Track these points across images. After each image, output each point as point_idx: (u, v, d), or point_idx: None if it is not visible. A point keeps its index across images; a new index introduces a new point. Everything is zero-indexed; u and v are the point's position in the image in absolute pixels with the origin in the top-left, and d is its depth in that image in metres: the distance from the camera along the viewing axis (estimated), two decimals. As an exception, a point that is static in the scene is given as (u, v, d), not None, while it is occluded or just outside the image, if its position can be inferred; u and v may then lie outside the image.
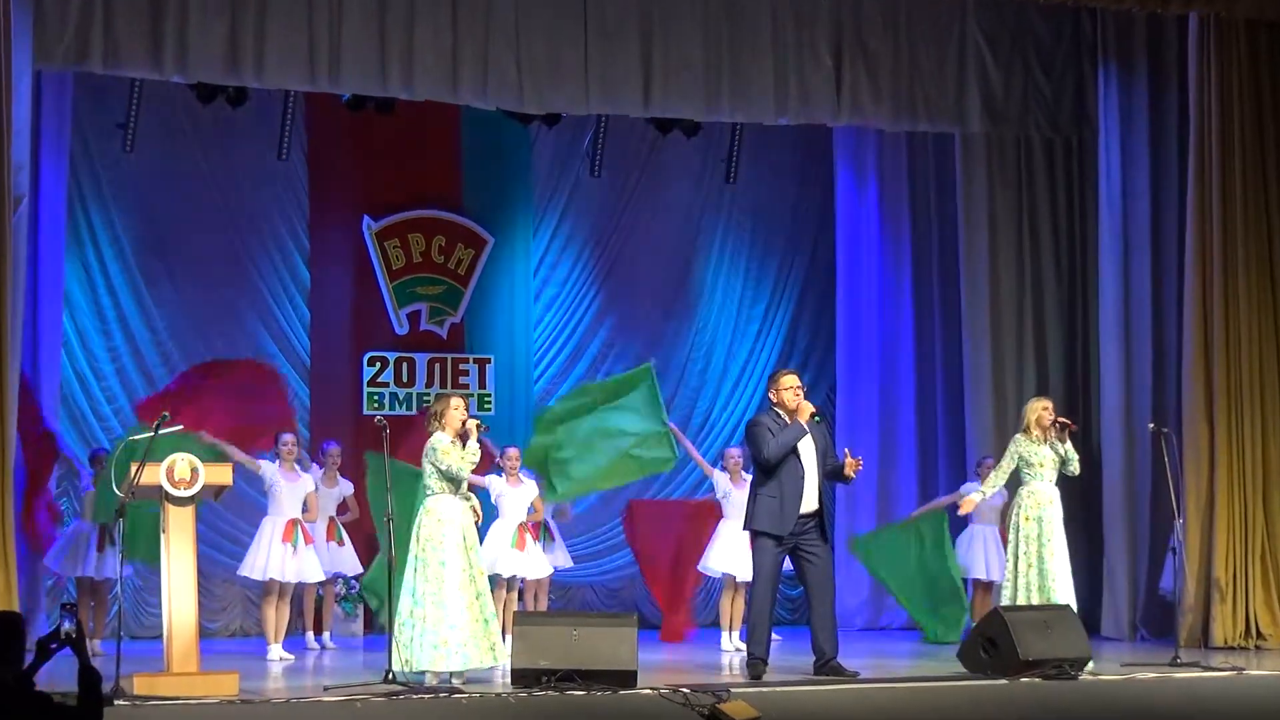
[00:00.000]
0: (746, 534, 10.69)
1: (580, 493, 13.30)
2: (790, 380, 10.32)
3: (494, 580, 11.62)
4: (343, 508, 12.60)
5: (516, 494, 12.19)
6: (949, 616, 13.04)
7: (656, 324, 15.15)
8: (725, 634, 12.37)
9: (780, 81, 12.67)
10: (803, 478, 10.12)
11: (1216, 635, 12.29)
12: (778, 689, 9.57)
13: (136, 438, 10.20)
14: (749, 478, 10.79)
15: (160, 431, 9.42)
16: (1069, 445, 10.91)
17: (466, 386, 14.38)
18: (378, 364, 14.32)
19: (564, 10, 12.19)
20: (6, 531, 10.38)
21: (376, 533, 12.33)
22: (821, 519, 10.22)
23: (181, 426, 10.18)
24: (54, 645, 5.69)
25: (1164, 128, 13.21)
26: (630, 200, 15.12)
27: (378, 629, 12.89)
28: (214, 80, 12.11)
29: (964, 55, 13.28)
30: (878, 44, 12.94)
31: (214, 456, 11.09)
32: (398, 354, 14.38)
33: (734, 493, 12.18)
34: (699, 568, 12.81)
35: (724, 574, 12.53)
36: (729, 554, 12.36)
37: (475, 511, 10.03)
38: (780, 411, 10.27)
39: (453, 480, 9.66)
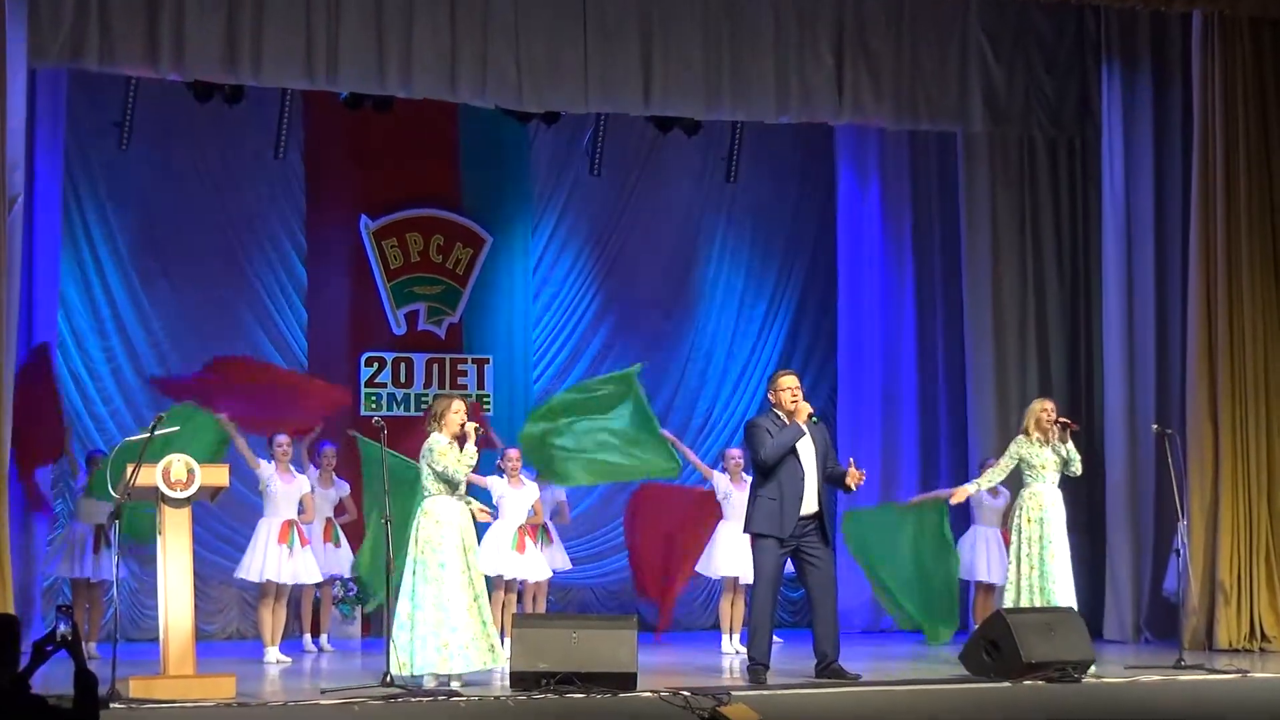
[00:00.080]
0: (746, 536, 10.64)
1: (579, 483, 13.16)
2: (788, 381, 10.28)
3: (493, 582, 11.60)
4: (340, 509, 12.56)
5: (517, 495, 12.14)
6: (940, 610, 12.94)
7: (656, 324, 15.13)
8: (726, 637, 12.34)
9: (781, 80, 12.67)
10: (802, 479, 10.08)
11: (1221, 637, 12.26)
12: (779, 692, 9.56)
13: (133, 439, 10.14)
14: (750, 479, 10.74)
15: (157, 432, 9.38)
16: (1070, 446, 10.89)
17: (465, 387, 14.35)
18: (375, 364, 14.29)
19: (563, 7, 12.17)
20: (1, 533, 10.35)
21: (365, 524, 12.23)
22: (822, 521, 10.17)
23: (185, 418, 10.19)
24: (50, 648, 5.64)
25: (1168, 126, 13.19)
26: (630, 199, 15.10)
27: (375, 632, 12.85)
28: (211, 78, 12.08)
29: (966, 53, 13.28)
30: (879, 42, 12.93)
31: (218, 441, 11.06)
32: (395, 354, 14.36)
33: (734, 494, 12.15)
34: (697, 569, 12.77)
35: (724, 577, 12.47)
36: (729, 556, 12.32)
37: (482, 513, 10.07)
38: (779, 413, 10.23)
39: (449, 482, 9.59)
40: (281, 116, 13.81)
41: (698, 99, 12.59)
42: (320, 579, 12.16)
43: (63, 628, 5.67)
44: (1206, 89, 12.61)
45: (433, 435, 9.72)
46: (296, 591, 12.16)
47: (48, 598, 12.56)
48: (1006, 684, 9.80)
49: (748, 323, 15.34)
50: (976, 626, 11.51)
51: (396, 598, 9.63)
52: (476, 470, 10.17)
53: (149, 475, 9.24)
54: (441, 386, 14.26)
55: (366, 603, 13.15)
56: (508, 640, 10.18)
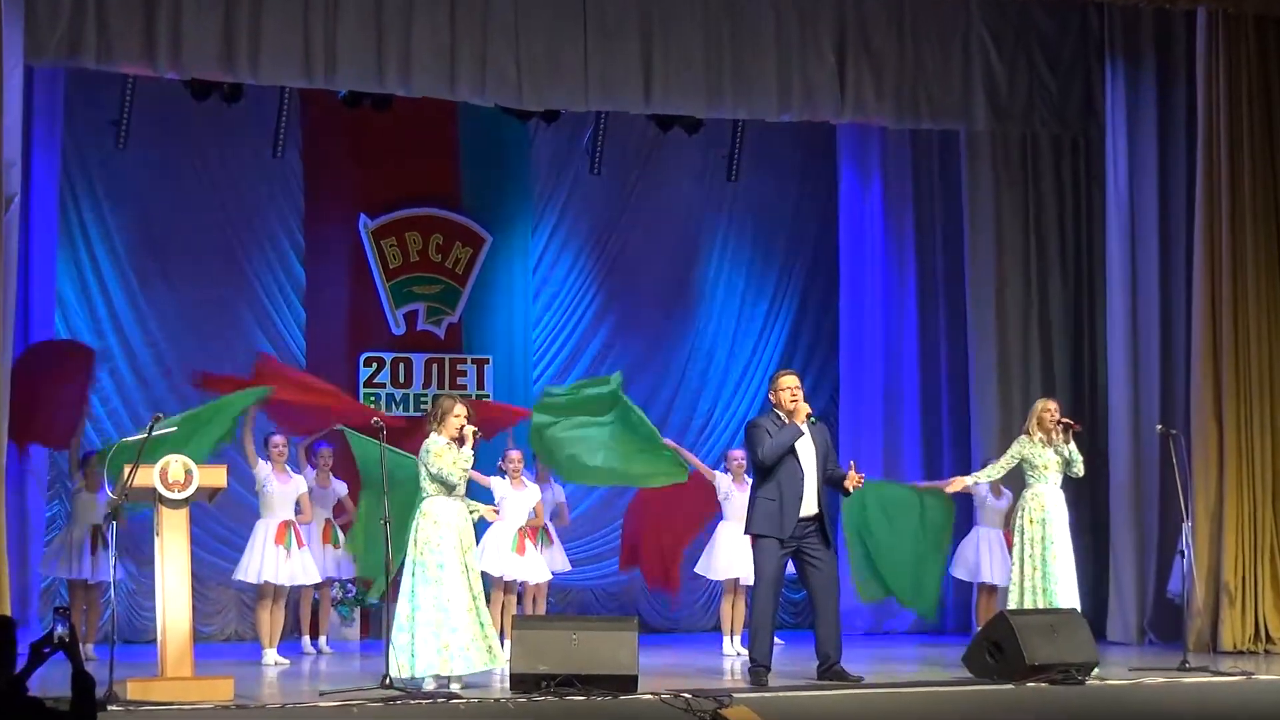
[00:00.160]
0: (747, 538, 10.62)
1: (584, 482, 13.07)
2: (788, 381, 10.25)
3: (492, 583, 11.58)
4: (339, 509, 12.52)
5: (519, 497, 12.08)
6: (926, 588, 12.81)
7: (657, 324, 15.09)
8: (727, 639, 12.29)
9: (783, 78, 12.63)
10: (801, 480, 10.04)
11: (1225, 639, 12.21)
12: (780, 694, 9.54)
13: (129, 439, 10.12)
14: (752, 481, 10.69)
15: (154, 433, 9.32)
16: (1072, 446, 10.90)
17: (464, 387, 14.31)
18: (374, 364, 14.25)
19: (563, 5, 12.14)
20: (-1, 534, 10.32)
21: (355, 513, 12.17)
22: (823, 523, 10.12)
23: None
24: (47, 649, 5.64)
25: (1172, 124, 13.15)
26: (630, 198, 15.06)
27: (374, 634, 12.81)
28: (209, 76, 12.02)
29: (968, 51, 13.24)
30: (881, 40, 12.89)
31: (226, 426, 11.09)
32: (394, 354, 14.32)
33: (735, 494, 12.12)
34: (697, 570, 12.73)
35: (724, 579, 12.43)
36: (729, 558, 12.28)
37: (491, 514, 10.05)
38: (780, 413, 10.20)
39: (445, 484, 9.55)
40: (280, 115, 13.78)
41: (698, 97, 12.55)
42: (318, 580, 12.12)
43: (60, 629, 5.66)
44: (1211, 86, 12.56)
45: (432, 436, 9.69)
46: (295, 593, 12.12)
47: (45, 599, 12.55)
48: (1010, 686, 9.76)
49: (749, 322, 15.30)
50: (979, 628, 11.46)
51: (395, 599, 9.59)
52: (478, 469, 10.14)
53: (146, 476, 9.20)
54: (441, 387, 14.22)
55: (363, 599, 13.12)
56: (507, 642, 10.15)
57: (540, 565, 12.20)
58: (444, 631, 9.42)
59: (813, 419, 10.21)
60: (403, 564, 9.72)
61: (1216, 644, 12.21)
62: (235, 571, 11.94)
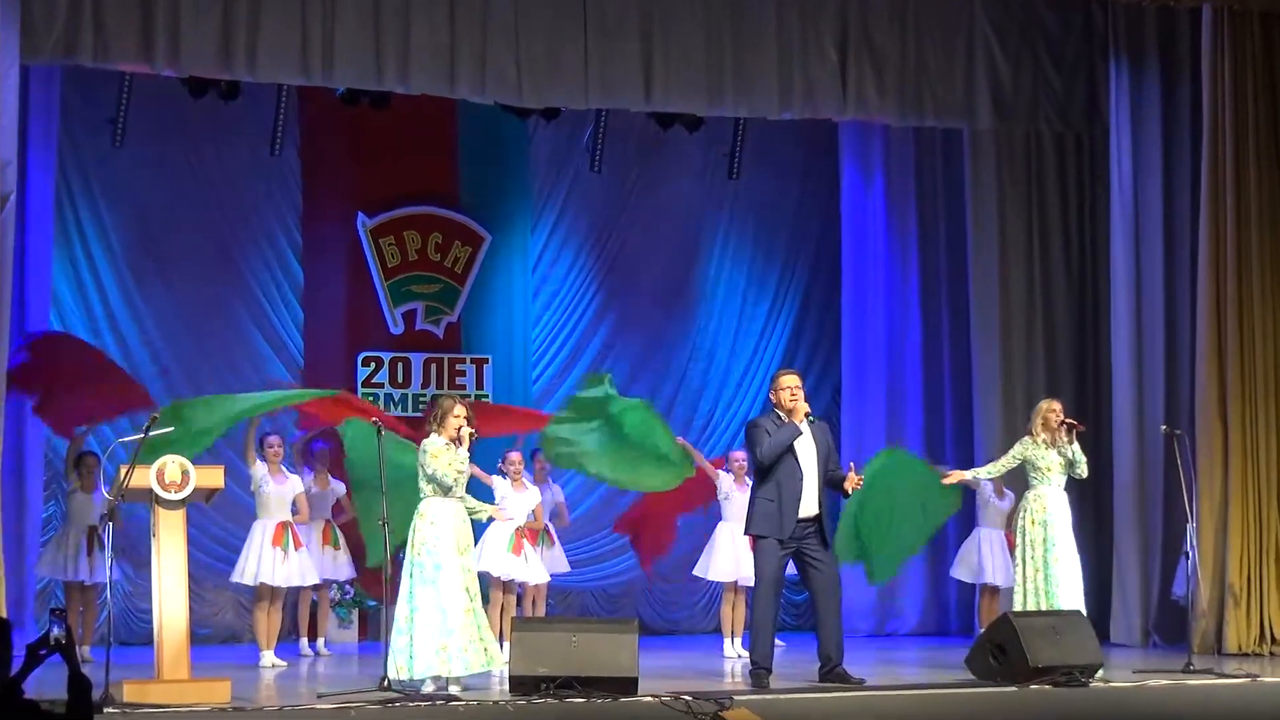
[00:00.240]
0: (746, 539, 10.59)
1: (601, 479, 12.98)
2: (788, 380, 10.21)
3: (490, 583, 11.54)
4: (337, 508, 12.45)
5: (518, 498, 12.05)
6: (888, 563, 12.64)
7: (657, 323, 15.06)
8: (727, 640, 12.26)
9: (784, 75, 12.59)
10: (801, 480, 10.00)
11: (1230, 641, 12.20)
12: (781, 696, 9.53)
13: (125, 439, 10.07)
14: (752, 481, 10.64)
15: (151, 433, 9.29)
16: (1076, 447, 10.87)
17: (463, 387, 14.26)
18: (372, 364, 14.22)
19: (563, 1, 12.06)
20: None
21: (352, 495, 12.09)
22: (821, 524, 10.08)
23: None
24: (43, 651, 5.60)
25: (1177, 122, 13.12)
26: (631, 196, 15.03)
27: (373, 635, 12.79)
28: (206, 74, 11.99)
29: (972, 48, 13.20)
30: (884, 37, 12.85)
31: (231, 414, 11.19)
32: (393, 354, 14.29)
33: (735, 494, 12.09)
34: (695, 572, 12.69)
35: (722, 580, 12.40)
36: (729, 560, 12.24)
37: (497, 516, 10.17)
38: (780, 412, 10.16)
39: (441, 485, 9.50)
40: (277, 112, 13.74)
41: (699, 94, 12.50)
42: (316, 581, 12.07)
43: (56, 631, 5.63)
44: (1216, 84, 12.53)
45: (430, 436, 9.66)
46: (293, 595, 12.07)
47: (41, 600, 12.55)
48: (1013, 688, 9.74)
49: (750, 321, 15.27)
50: (982, 630, 11.40)
51: (394, 601, 9.56)
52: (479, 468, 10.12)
53: (143, 476, 9.16)
54: (439, 387, 14.19)
55: (361, 601, 13.08)
56: (506, 644, 10.12)
57: (538, 566, 12.16)
58: (441, 633, 9.38)
59: (811, 418, 10.15)
60: (402, 565, 9.69)
61: (1221, 646, 12.19)
62: (232, 573, 11.89)
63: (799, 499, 9.96)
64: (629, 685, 9.21)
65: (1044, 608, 10.59)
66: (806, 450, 10.05)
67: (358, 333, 14.26)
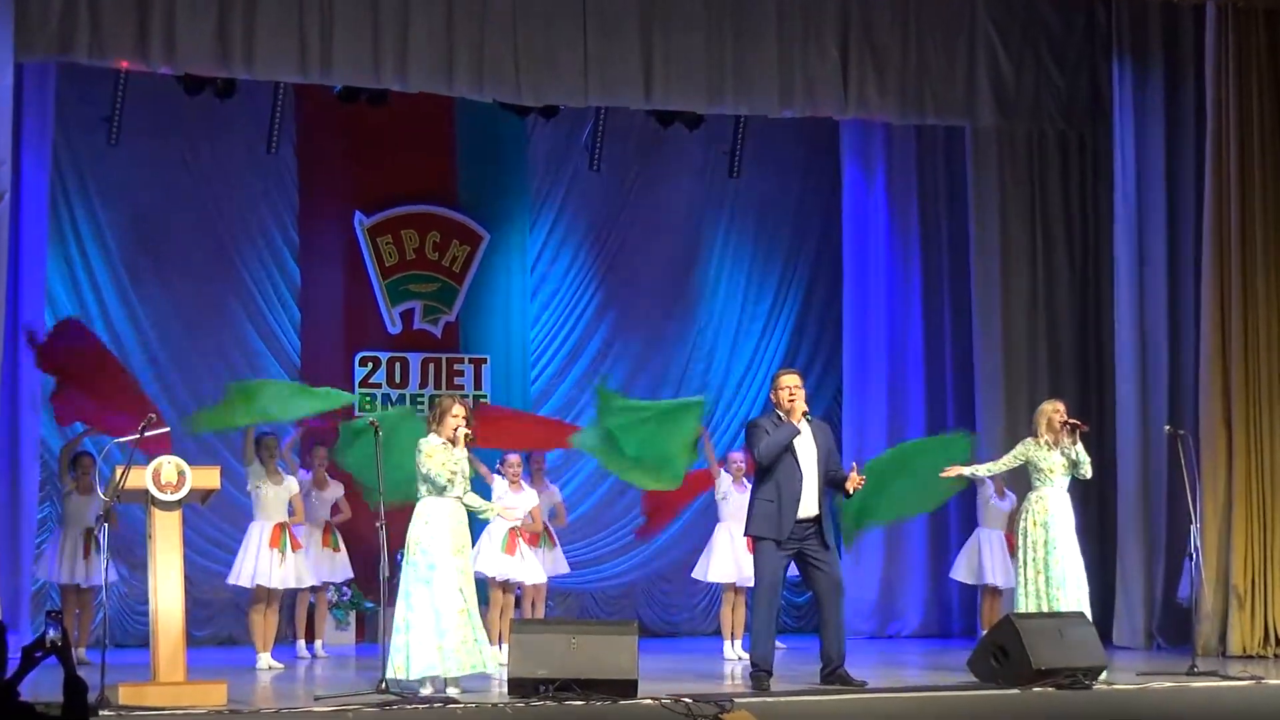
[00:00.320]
0: (745, 540, 10.57)
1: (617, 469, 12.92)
2: (788, 380, 10.19)
3: (487, 583, 11.52)
4: (335, 509, 12.42)
5: (515, 500, 12.01)
6: (867, 521, 12.52)
7: (657, 322, 15.03)
8: (727, 642, 12.22)
9: (785, 73, 12.60)
10: (800, 481, 9.97)
11: (1234, 643, 12.18)
12: (782, 698, 9.53)
13: (122, 440, 10.02)
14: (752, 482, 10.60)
15: (146, 434, 9.24)
16: (1079, 447, 10.82)
17: (461, 387, 14.22)
18: (370, 364, 14.17)
19: (562, -2, 12.03)
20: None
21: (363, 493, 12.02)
22: (821, 525, 10.03)
23: None
24: (39, 654, 5.62)
25: (1180, 121, 13.10)
26: (630, 195, 14.99)
27: (370, 638, 12.78)
28: (202, 71, 11.98)
29: (974, 46, 13.21)
30: (885, 35, 12.86)
31: (247, 411, 11.26)
32: (390, 354, 14.25)
33: (733, 495, 12.06)
34: (693, 574, 12.66)
35: (720, 582, 12.38)
36: (728, 561, 12.20)
37: (505, 516, 10.32)
38: (780, 412, 10.13)
39: (434, 484, 9.46)
40: (274, 110, 13.71)
41: (699, 92, 12.49)
42: (314, 583, 12.05)
43: (52, 633, 5.65)
44: (1220, 82, 12.49)
45: (428, 436, 9.63)
46: (290, 597, 12.03)
47: (36, 602, 12.51)
48: (1015, 691, 9.72)
49: (751, 321, 15.23)
50: (985, 632, 11.36)
51: (392, 603, 9.54)
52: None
53: (139, 477, 9.14)
54: (438, 387, 14.16)
55: (359, 603, 13.06)
56: (505, 646, 10.08)
57: (534, 565, 12.12)
58: (435, 633, 9.36)
59: (809, 418, 10.10)
60: (401, 566, 9.68)
61: (1225, 648, 12.18)
62: (229, 575, 11.86)
63: (798, 500, 9.93)
64: (628, 688, 9.19)
65: (1045, 609, 10.55)
66: (806, 450, 10.02)
67: (355, 332, 14.22)
